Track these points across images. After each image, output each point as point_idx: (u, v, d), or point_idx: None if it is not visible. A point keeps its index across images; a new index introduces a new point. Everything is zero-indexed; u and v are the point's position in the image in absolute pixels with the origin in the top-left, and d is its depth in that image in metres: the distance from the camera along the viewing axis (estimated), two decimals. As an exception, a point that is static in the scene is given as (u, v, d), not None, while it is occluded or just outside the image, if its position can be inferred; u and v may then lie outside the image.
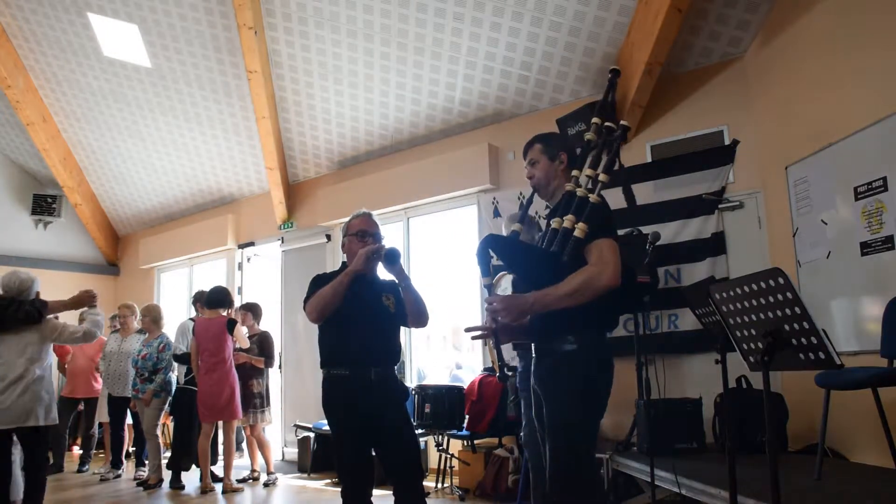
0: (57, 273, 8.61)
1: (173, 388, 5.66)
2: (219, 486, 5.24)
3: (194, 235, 8.27)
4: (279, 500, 5.17)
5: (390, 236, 5.11)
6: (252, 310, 5.87)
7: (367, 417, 2.60)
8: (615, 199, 2.50)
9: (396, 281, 2.76)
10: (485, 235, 2.38)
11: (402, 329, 2.91)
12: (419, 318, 2.77)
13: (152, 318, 5.76)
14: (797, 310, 1.74)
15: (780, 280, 1.74)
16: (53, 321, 3.44)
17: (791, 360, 1.84)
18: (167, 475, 5.52)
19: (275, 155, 6.87)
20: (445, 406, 4.86)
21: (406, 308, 2.75)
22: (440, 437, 4.95)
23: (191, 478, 5.53)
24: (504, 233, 3.79)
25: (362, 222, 2.83)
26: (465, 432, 4.91)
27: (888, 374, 2.80)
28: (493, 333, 2.25)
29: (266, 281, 7.83)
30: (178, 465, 5.48)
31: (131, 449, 6.69)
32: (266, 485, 5.50)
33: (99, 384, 6.50)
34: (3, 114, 8.00)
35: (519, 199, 5.44)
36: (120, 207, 9.29)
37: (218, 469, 5.48)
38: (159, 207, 8.93)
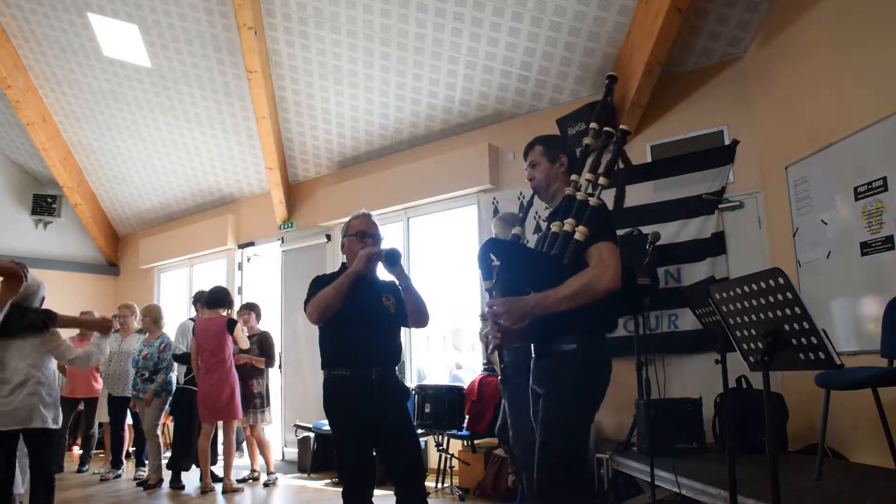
0: (57, 273, 8.60)
1: (174, 389, 5.66)
2: (219, 486, 5.24)
3: (194, 235, 8.27)
4: (279, 500, 5.17)
5: (390, 236, 5.12)
6: (252, 310, 5.87)
7: (368, 418, 2.60)
8: (609, 200, 2.49)
9: (397, 281, 2.76)
10: (486, 239, 2.39)
11: (402, 329, 2.91)
12: (420, 318, 2.77)
13: (153, 318, 5.76)
14: (797, 310, 1.74)
15: (780, 280, 1.74)
16: (56, 335, 3.44)
17: (791, 360, 1.84)
18: (167, 475, 5.52)
19: (275, 155, 6.87)
20: (445, 406, 4.86)
21: (406, 308, 2.75)
22: (440, 437, 4.95)
23: (191, 478, 5.53)
24: (493, 234, 3.80)
25: (362, 223, 2.83)
26: (465, 432, 4.91)
27: (888, 374, 2.80)
28: (498, 342, 2.25)
29: (266, 281, 7.83)
30: (178, 465, 5.48)
31: (131, 449, 6.69)
32: (266, 485, 5.50)
33: (99, 384, 6.50)
34: (3, 114, 8.00)
35: (519, 199, 5.44)
36: (120, 207, 9.29)
37: (218, 469, 5.48)
38: (159, 207, 8.93)
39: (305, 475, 5.93)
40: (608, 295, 2.08)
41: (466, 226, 6.02)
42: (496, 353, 2.36)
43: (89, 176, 8.82)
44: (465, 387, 5.09)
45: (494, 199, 5.67)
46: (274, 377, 6.49)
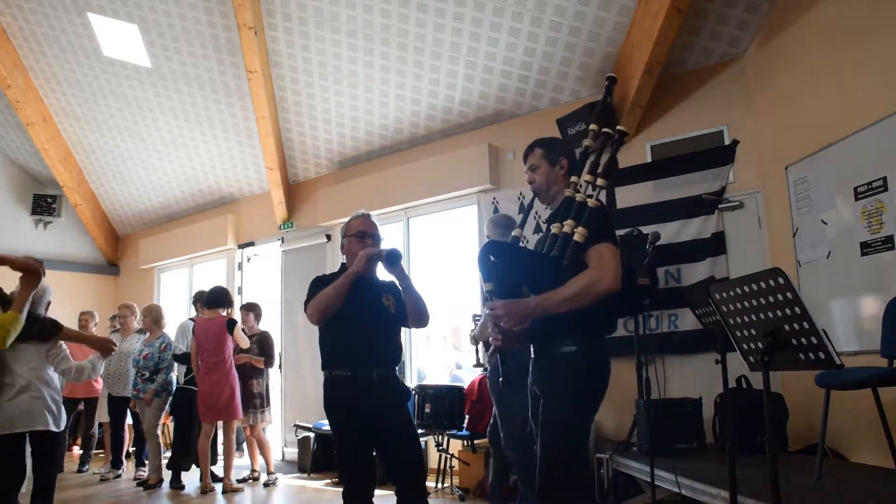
0: (57, 273, 8.58)
1: (174, 389, 5.66)
2: (219, 486, 5.24)
3: (194, 235, 8.27)
4: (279, 500, 5.17)
5: (390, 236, 5.11)
6: (252, 310, 5.87)
7: (369, 418, 2.60)
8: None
9: (397, 282, 2.76)
10: (486, 241, 2.40)
11: (402, 329, 2.91)
12: (420, 318, 2.77)
13: (153, 318, 5.76)
14: (797, 310, 1.75)
15: (780, 280, 1.74)
16: (59, 346, 3.49)
17: (791, 360, 1.84)
18: (167, 475, 5.52)
19: (275, 155, 6.87)
20: (445, 406, 4.86)
21: (407, 309, 2.75)
22: (440, 437, 4.95)
23: (191, 478, 5.53)
24: (486, 236, 3.80)
25: (361, 223, 2.83)
26: (465, 432, 4.92)
27: (888, 374, 2.80)
28: (499, 344, 2.25)
29: (266, 281, 7.83)
30: (178, 465, 5.48)
31: (131, 449, 6.68)
32: (266, 485, 5.50)
33: (99, 384, 6.49)
34: (3, 114, 8.00)
35: (519, 199, 5.44)
36: (120, 207, 9.29)
37: (218, 469, 5.48)
38: (159, 207, 8.93)
39: (305, 475, 5.93)
40: (608, 296, 2.08)
41: (466, 226, 6.02)
42: (497, 354, 2.35)
43: (89, 176, 8.82)
44: (465, 387, 5.09)
45: (494, 199, 5.67)
46: (274, 377, 6.49)
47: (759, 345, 1.88)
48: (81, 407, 6.73)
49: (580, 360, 2.14)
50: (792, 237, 4.09)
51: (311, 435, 6.07)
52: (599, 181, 2.26)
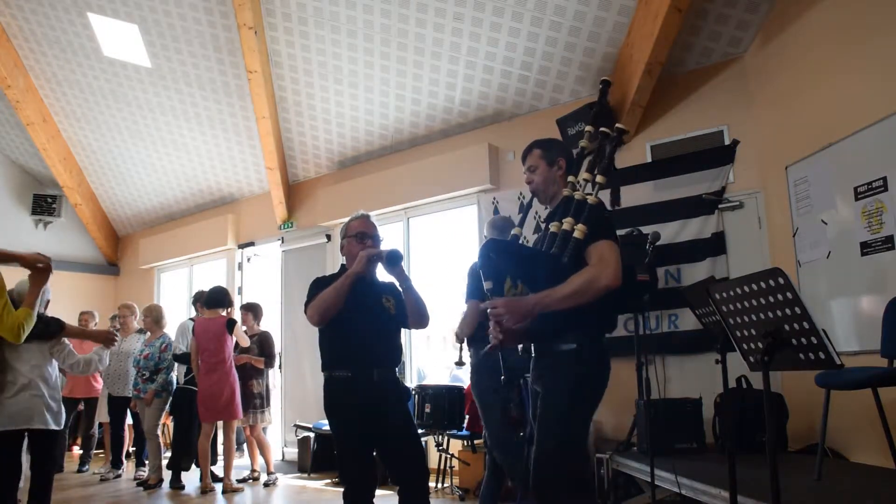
0: (57, 273, 8.46)
1: (174, 389, 5.65)
2: (219, 486, 5.24)
3: (194, 235, 8.27)
4: (279, 500, 5.17)
5: (390, 236, 5.12)
6: (252, 310, 5.87)
7: (370, 419, 2.60)
8: (605, 199, 2.51)
9: (396, 282, 2.76)
10: (486, 240, 2.40)
11: (402, 330, 2.91)
12: (420, 319, 2.77)
13: (154, 318, 5.76)
14: (797, 310, 1.74)
15: (780, 280, 1.74)
16: (63, 343, 3.52)
17: (791, 360, 1.84)
18: (167, 475, 5.52)
19: (275, 155, 6.87)
20: (445, 406, 4.85)
21: (407, 310, 2.75)
22: (440, 437, 4.95)
23: (191, 478, 5.53)
24: (485, 236, 3.82)
25: (361, 224, 2.83)
26: (465, 432, 4.91)
27: (888, 374, 2.80)
28: (499, 343, 2.25)
29: (266, 281, 7.83)
30: (178, 465, 5.48)
31: (131, 449, 6.68)
32: (266, 485, 5.50)
33: (99, 384, 6.50)
34: (3, 114, 8.00)
35: (519, 199, 5.44)
36: (120, 207, 9.29)
37: (218, 469, 5.48)
38: (159, 207, 8.93)
39: (305, 475, 5.93)
40: (608, 293, 2.08)
41: (466, 226, 6.02)
42: (499, 353, 2.36)
43: (89, 176, 8.82)
44: (466, 387, 5.08)
45: (494, 199, 5.67)
46: (274, 377, 6.49)
47: (759, 345, 1.88)
48: (81, 407, 6.73)
49: (580, 357, 2.14)
50: (792, 237, 4.09)
51: (311, 435, 6.07)
52: (599, 178, 2.26)
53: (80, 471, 6.39)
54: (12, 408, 3.19)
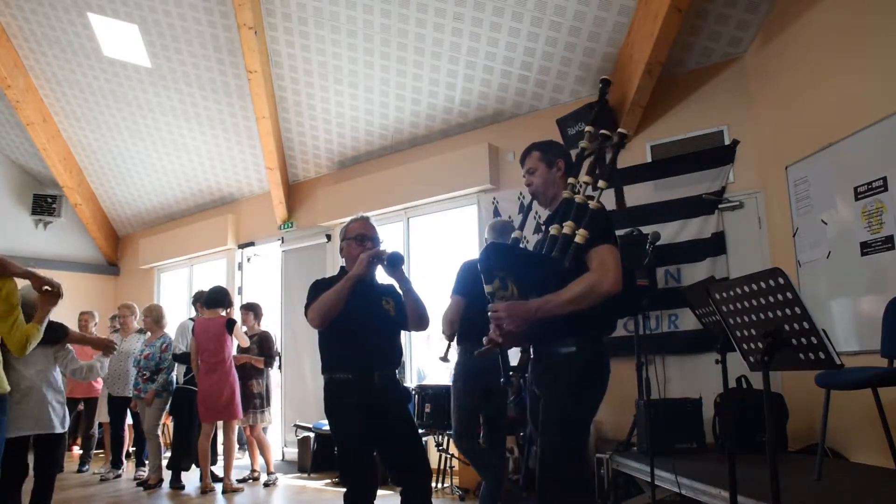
0: (57, 273, 8.54)
1: (174, 389, 5.66)
2: (219, 486, 5.24)
3: (194, 235, 8.27)
4: (279, 500, 5.16)
5: (390, 237, 5.12)
6: (253, 309, 5.87)
7: (371, 421, 2.60)
8: (607, 199, 2.50)
9: (396, 284, 2.76)
10: (487, 243, 2.40)
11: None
12: (420, 321, 2.78)
13: (154, 318, 5.75)
14: (797, 310, 1.75)
15: (780, 280, 1.74)
16: (66, 348, 3.58)
17: (791, 360, 1.84)
18: (167, 475, 5.52)
19: (275, 155, 6.87)
20: (445, 406, 4.84)
21: (407, 312, 2.75)
22: (440, 437, 4.95)
23: (191, 478, 5.53)
24: (486, 240, 3.84)
25: (361, 226, 2.83)
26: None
27: (888, 374, 2.80)
28: (498, 346, 2.26)
29: (266, 281, 7.83)
30: (178, 465, 5.48)
31: (131, 449, 6.68)
32: (266, 485, 5.50)
33: (99, 384, 6.49)
34: (3, 114, 8.00)
35: (519, 199, 5.44)
36: (120, 207, 9.29)
37: (218, 469, 5.48)
38: (159, 207, 8.93)
39: (305, 475, 5.93)
40: (609, 298, 2.08)
41: (466, 226, 6.01)
42: (497, 355, 2.36)
43: (89, 176, 8.82)
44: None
45: (494, 199, 5.67)
46: (274, 377, 6.48)
47: (759, 345, 1.88)
48: (81, 407, 6.73)
49: (580, 360, 2.15)
50: (792, 237, 4.09)
51: (311, 435, 6.07)
52: (601, 183, 2.26)
53: (80, 471, 6.39)
54: (20, 413, 3.23)
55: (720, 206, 4.54)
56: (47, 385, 3.39)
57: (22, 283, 3.27)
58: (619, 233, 2.40)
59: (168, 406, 5.66)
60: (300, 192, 7.40)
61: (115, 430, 6.13)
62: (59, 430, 3.39)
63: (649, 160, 4.90)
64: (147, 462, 5.72)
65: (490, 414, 3.79)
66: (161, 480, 5.51)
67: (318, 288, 2.72)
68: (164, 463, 5.66)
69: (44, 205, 9.06)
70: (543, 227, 2.36)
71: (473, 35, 5.10)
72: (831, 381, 2.88)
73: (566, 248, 2.13)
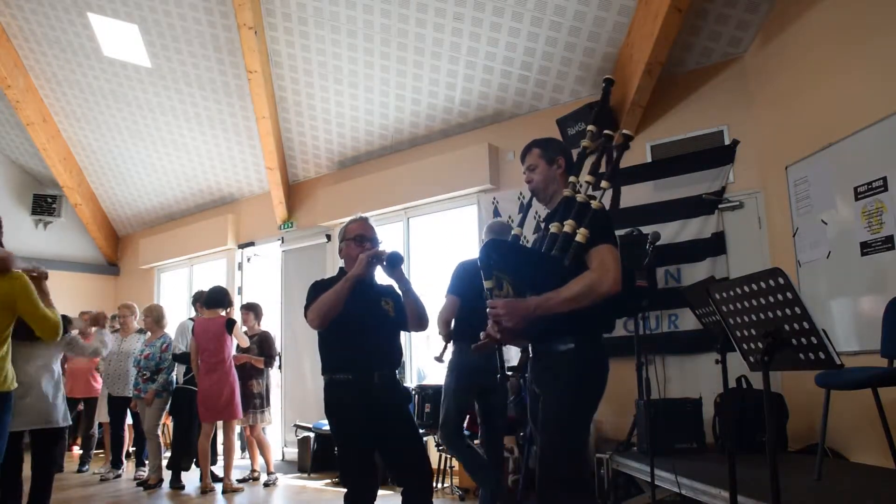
0: (57, 273, 8.51)
1: (174, 388, 5.66)
2: (219, 486, 5.24)
3: (194, 235, 8.27)
4: (279, 500, 5.17)
5: (390, 237, 5.12)
6: (253, 309, 5.87)
7: (371, 421, 2.60)
8: (604, 199, 2.50)
9: (395, 285, 2.76)
10: (487, 241, 2.40)
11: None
12: (420, 322, 2.78)
13: (154, 318, 5.75)
14: (797, 310, 1.74)
15: (781, 280, 1.74)
16: (71, 334, 3.60)
17: (791, 360, 1.84)
18: (167, 475, 5.52)
19: (275, 155, 6.87)
20: (445, 406, 4.85)
21: (406, 312, 2.75)
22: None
23: (191, 478, 5.53)
24: (483, 240, 3.85)
25: (360, 227, 2.83)
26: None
27: (888, 374, 2.80)
28: (496, 341, 2.26)
29: (266, 281, 7.83)
30: (178, 465, 5.48)
31: (131, 449, 6.68)
32: (266, 485, 5.50)
33: (99, 384, 6.50)
34: (3, 114, 8.00)
35: (519, 199, 5.44)
36: (120, 207, 9.29)
37: (218, 469, 5.48)
38: (159, 207, 8.93)
39: (305, 475, 5.93)
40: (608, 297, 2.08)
41: (466, 226, 6.01)
42: (498, 353, 2.37)
43: (89, 176, 8.82)
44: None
45: (494, 199, 5.67)
46: (274, 377, 6.49)
47: (759, 345, 1.88)
48: (81, 407, 6.73)
49: (579, 358, 2.14)
50: (792, 237, 4.09)
51: (311, 435, 6.07)
52: (604, 184, 2.25)
53: (80, 471, 6.39)
54: (22, 408, 3.23)
55: (720, 206, 4.54)
56: (49, 379, 3.39)
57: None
58: (618, 233, 2.39)
59: (168, 406, 5.66)
60: (300, 192, 7.40)
61: (115, 430, 6.13)
62: (61, 423, 3.38)
63: (649, 160, 4.90)
64: (147, 462, 5.72)
65: (485, 413, 3.80)
66: (161, 480, 5.51)
67: (317, 289, 2.71)
68: (164, 463, 5.66)
69: (44, 205, 9.06)
70: (543, 225, 2.36)
71: (473, 35, 5.10)
72: (831, 381, 2.88)
73: (566, 247, 2.13)
